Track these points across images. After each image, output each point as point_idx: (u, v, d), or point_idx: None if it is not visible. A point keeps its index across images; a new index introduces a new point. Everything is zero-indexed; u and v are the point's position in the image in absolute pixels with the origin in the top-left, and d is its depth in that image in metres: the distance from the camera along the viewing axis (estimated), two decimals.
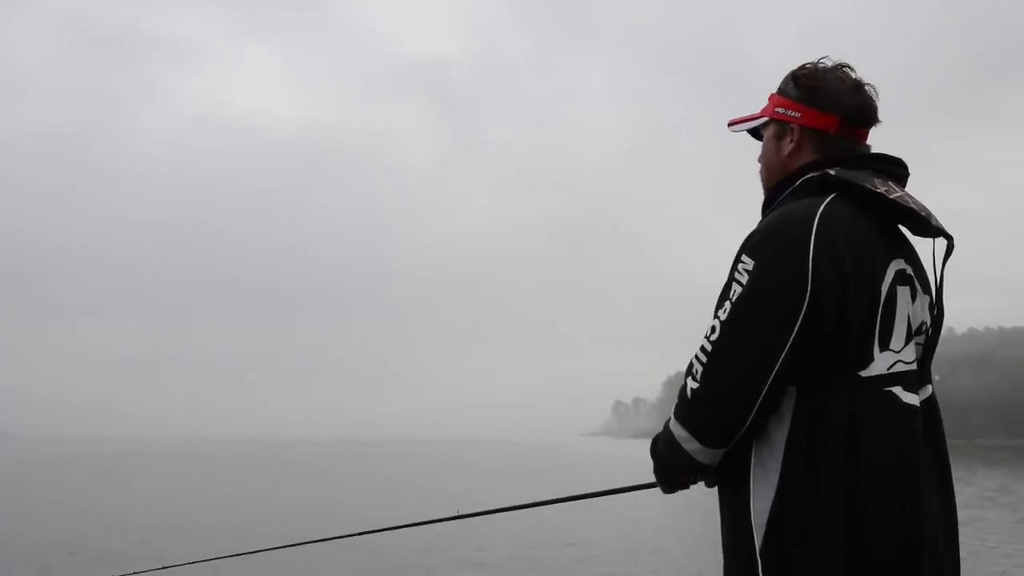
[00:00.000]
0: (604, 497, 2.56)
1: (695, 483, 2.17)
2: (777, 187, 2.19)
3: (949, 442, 2.10)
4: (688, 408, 1.99)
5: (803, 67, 2.19)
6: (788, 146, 2.18)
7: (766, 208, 2.20)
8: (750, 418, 1.92)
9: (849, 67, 2.18)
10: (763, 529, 1.92)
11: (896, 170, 2.15)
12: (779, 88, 2.22)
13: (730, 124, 2.32)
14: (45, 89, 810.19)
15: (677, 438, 2.01)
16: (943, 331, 2.18)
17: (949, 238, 2.08)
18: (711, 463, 2.02)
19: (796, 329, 1.90)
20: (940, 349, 2.17)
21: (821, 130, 2.14)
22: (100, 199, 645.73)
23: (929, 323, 2.12)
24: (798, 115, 2.16)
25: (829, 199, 2.01)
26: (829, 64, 2.18)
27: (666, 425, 2.06)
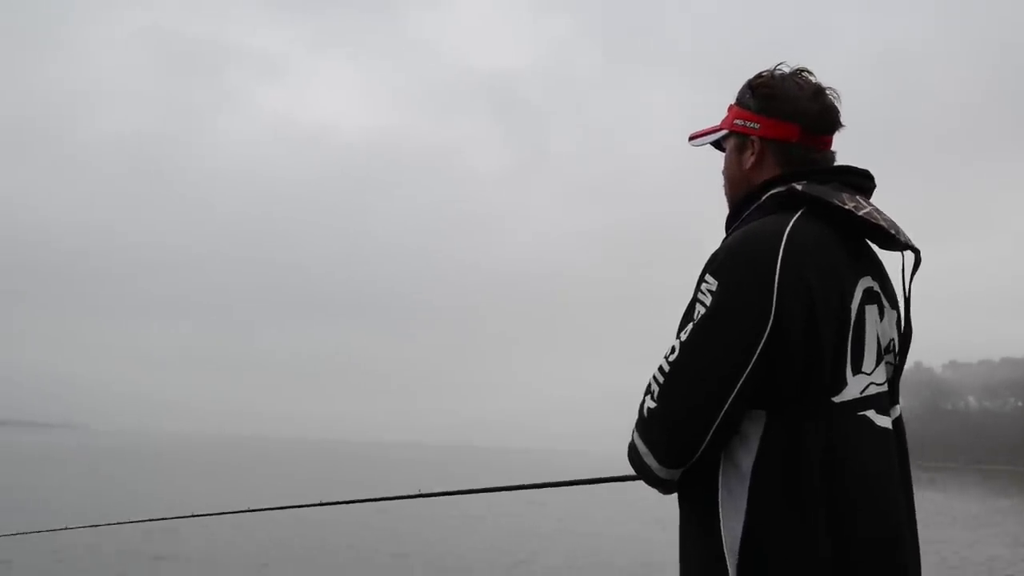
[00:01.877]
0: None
1: None
2: (741, 202, 2.09)
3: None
4: (644, 426, 1.91)
5: (759, 75, 2.09)
6: (749, 159, 2.08)
7: (730, 224, 2.11)
8: (705, 441, 1.83)
9: (808, 71, 2.08)
10: (736, 558, 1.81)
11: (863, 183, 2.05)
12: (737, 98, 2.12)
13: (691, 138, 2.23)
14: (128, 98, 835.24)
15: (640, 452, 1.93)
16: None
17: (916, 252, 1.99)
18: (670, 479, 1.92)
19: (758, 353, 1.80)
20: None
21: (782, 140, 2.04)
22: (177, 204, 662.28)
23: (897, 340, 2.03)
24: (757, 126, 2.06)
25: (796, 216, 1.92)
26: (787, 70, 2.07)
27: (632, 437, 1.97)
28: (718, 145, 2.19)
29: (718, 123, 2.16)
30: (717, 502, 1.84)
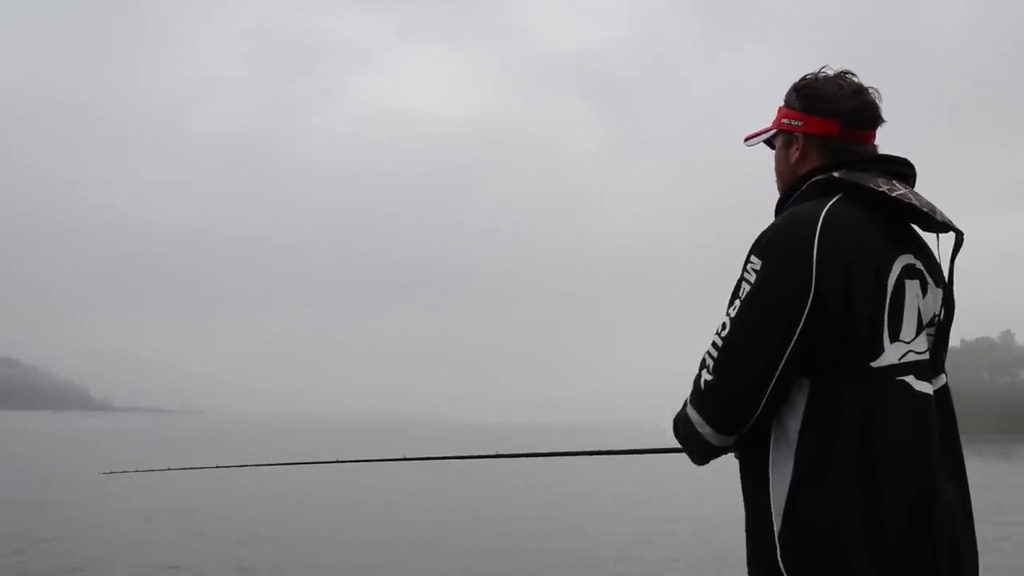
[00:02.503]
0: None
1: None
2: (788, 191, 2.20)
3: None
4: (701, 398, 2.01)
5: (803, 78, 2.20)
6: (795, 153, 2.20)
7: (778, 211, 2.21)
8: (760, 407, 1.94)
9: (850, 73, 2.17)
10: (782, 513, 1.92)
11: (902, 170, 2.14)
12: (784, 100, 2.24)
13: (746, 140, 2.34)
14: (230, 93, 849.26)
15: (693, 423, 2.04)
16: None
17: (958, 232, 2.07)
18: (723, 446, 2.04)
19: (801, 324, 1.90)
20: None
21: (823, 135, 2.15)
22: (279, 194, 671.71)
23: (941, 315, 2.09)
24: (801, 123, 2.18)
25: (834, 200, 2.02)
26: (830, 73, 2.18)
27: (683, 409, 2.08)
28: (770, 143, 2.30)
29: (769, 124, 2.27)
30: (768, 465, 1.96)
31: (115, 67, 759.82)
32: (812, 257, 1.92)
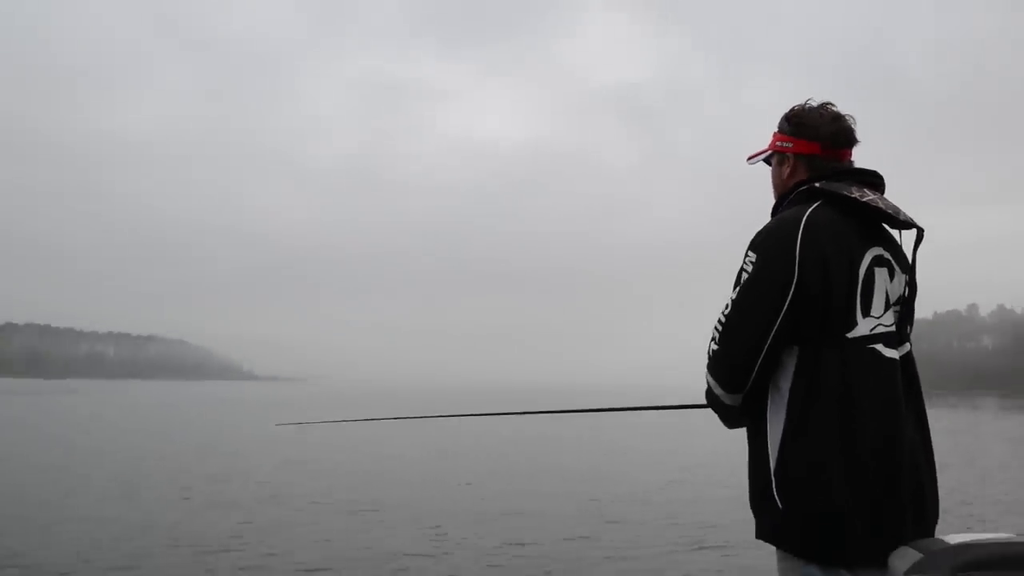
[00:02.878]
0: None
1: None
2: (780, 199, 2.24)
3: None
4: (711, 364, 2.10)
5: (792, 108, 2.24)
6: (786, 169, 2.25)
7: (773, 214, 2.24)
8: (754, 371, 2.01)
9: (831, 104, 2.21)
10: (776, 454, 1.98)
11: (873, 180, 2.17)
12: (778, 127, 2.27)
13: (748, 159, 2.36)
14: (341, 129, 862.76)
15: (710, 385, 2.12)
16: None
17: (919, 228, 2.10)
18: (734, 404, 2.09)
19: (786, 305, 1.96)
20: None
21: (808, 154, 2.20)
22: (383, 207, 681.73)
23: (906, 295, 2.12)
24: (791, 145, 2.22)
25: (815, 205, 2.06)
26: (814, 104, 2.22)
27: (706, 376, 2.14)
28: (767, 161, 2.33)
29: (766, 146, 2.31)
30: (766, 416, 2.03)
31: (252, 112, 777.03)
32: (795, 251, 1.97)
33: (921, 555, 1.72)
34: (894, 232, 2.17)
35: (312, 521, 9.88)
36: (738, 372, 2.04)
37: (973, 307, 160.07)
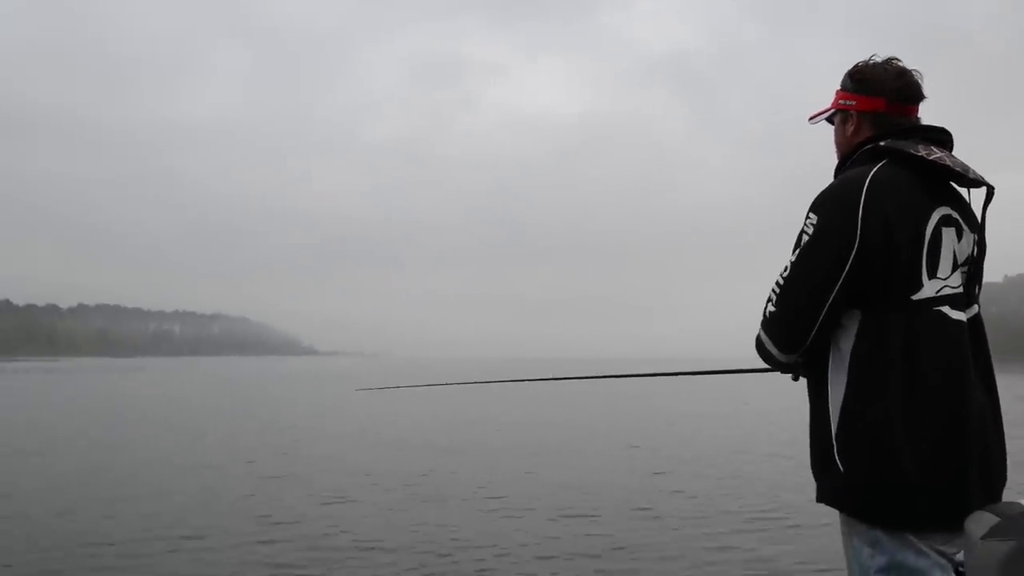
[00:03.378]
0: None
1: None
2: (844, 159, 2.18)
3: None
4: (767, 324, 2.06)
5: (856, 65, 2.17)
6: (850, 128, 2.17)
7: (836, 174, 2.18)
8: (812, 333, 1.98)
9: (896, 59, 2.13)
10: (837, 417, 1.95)
11: (941, 136, 2.09)
12: (840, 84, 2.20)
13: (810, 119, 2.30)
14: (393, 106, 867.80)
15: (764, 343, 2.09)
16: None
17: (989, 187, 2.03)
18: (789, 362, 2.08)
19: (848, 266, 1.92)
20: None
21: (873, 111, 2.12)
22: (438, 182, 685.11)
23: (975, 256, 2.05)
24: (854, 103, 2.15)
25: (880, 164, 2.00)
26: (879, 59, 2.14)
27: (759, 332, 2.11)
28: (829, 121, 2.26)
29: (829, 104, 2.24)
30: (827, 379, 2.00)
31: (306, 94, 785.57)
32: (858, 212, 1.93)
33: (998, 519, 1.68)
34: (963, 191, 2.09)
35: (372, 494, 10.03)
36: (795, 333, 2.01)
37: None
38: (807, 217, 2.02)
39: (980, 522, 1.71)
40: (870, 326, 1.94)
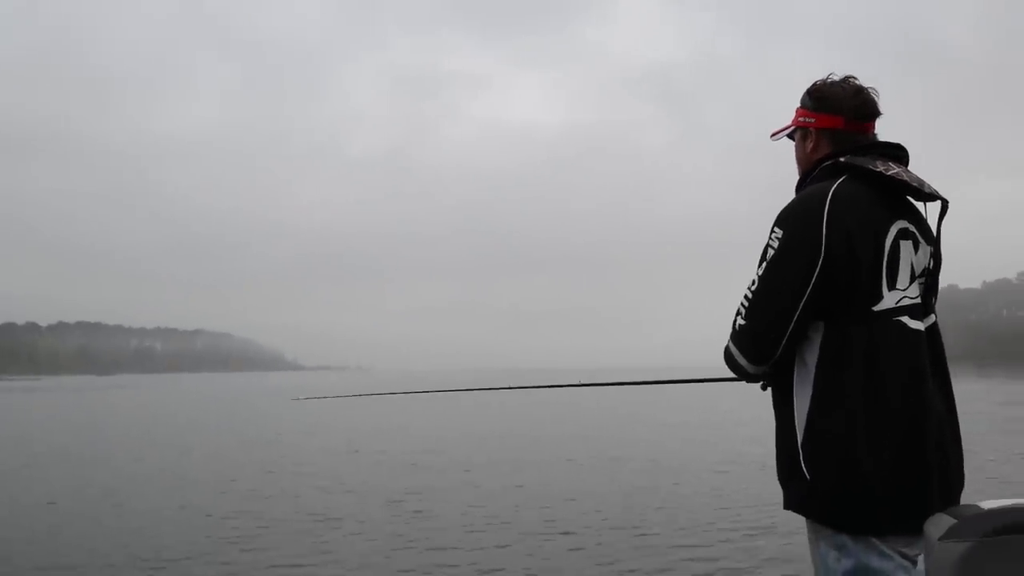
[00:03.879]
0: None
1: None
2: (805, 175, 2.23)
3: None
4: (738, 337, 2.11)
5: (814, 83, 2.23)
6: (810, 144, 2.23)
7: (798, 190, 2.24)
8: (781, 345, 2.02)
9: (852, 77, 2.19)
10: (803, 428, 2.00)
11: (897, 153, 2.15)
12: (800, 102, 2.26)
13: (772, 135, 2.35)
14: (375, 120, 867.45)
15: (734, 355, 2.13)
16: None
17: (944, 201, 2.09)
18: (758, 373, 2.12)
19: (813, 280, 1.97)
20: None
21: (831, 129, 2.18)
22: (423, 195, 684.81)
23: (931, 267, 2.11)
24: (813, 120, 2.21)
25: (840, 180, 2.05)
26: (836, 77, 2.20)
27: (727, 343, 2.16)
28: (792, 136, 2.32)
29: (790, 122, 2.30)
30: (792, 390, 2.05)
31: (289, 108, 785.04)
32: (822, 226, 1.98)
33: (955, 520, 1.74)
34: (919, 205, 2.15)
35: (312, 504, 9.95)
36: (765, 346, 2.05)
37: (1023, 275, 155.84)
38: (772, 231, 2.07)
39: (938, 524, 1.77)
40: (833, 338, 1.99)
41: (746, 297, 2.09)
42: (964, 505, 1.85)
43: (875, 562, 1.93)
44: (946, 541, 1.71)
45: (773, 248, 2.05)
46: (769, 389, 2.21)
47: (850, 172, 2.08)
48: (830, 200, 2.00)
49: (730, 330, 2.15)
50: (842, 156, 2.12)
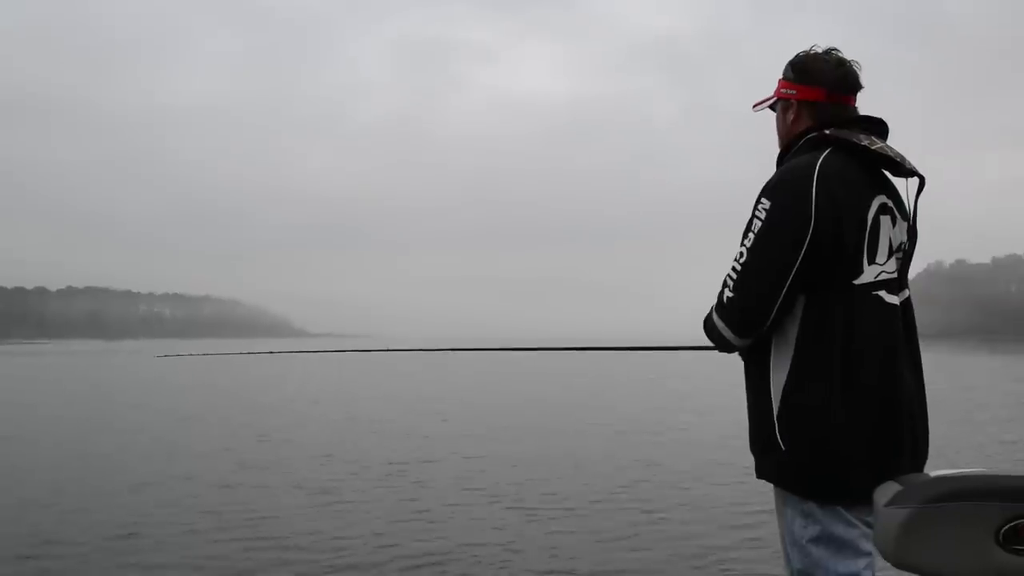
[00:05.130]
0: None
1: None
2: (787, 146, 2.23)
3: None
4: (724, 310, 2.10)
5: (797, 55, 2.23)
6: (791, 116, 2.23)
7: (780, 162, 2.24)
8: (770, 318, 2.02)
9: (836, 49, 2.20)
10: (779, 399, 2.03)
11: (879, 127, 2.15)
12: (782, 74, 2.26)
13: (754, 107, 2.36)
14: (382, 89, 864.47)
15: (718, 327, 2.13)
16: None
17: (921, 177, 2.11)
18: (742, 346, 2.13)
19: (803, 251, 1.97)
20: None
21: (812, 101, 2.18)
22: (429, 165, 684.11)
23: (906, 243, 2.14)
24: (795, 92, 2.21)
25: (826, 152, 2.06)
26: (819, 50, 2.20)
27: (710, 316, 2.17)
28: (773, 108, 2.32)
29: (772, 93, 2.30)
30: (769, 362, 2.07)
31: (296, 77, 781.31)
32: (811, 199, 1.98)
33: (900, 487, 1.83)
34: (899, 181, 2.16)
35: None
36: (754, 318, 2.04)
37: None
38: (759, 202, 2.05)
39: (885, 491, 1.85)
40: (815, 310, 2.00)
41: (734, 269, 2.08)
42: (914, 474, 1.92)
43: (840, 530, 1.99)
44: (890, 507, 1.80)
45: (760, 220, 2.04)
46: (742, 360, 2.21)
47: (835, 145, 2.07)
48: (818, 173, 2.00)
49: (715, 302, 2.14)
50: (825, 128, 2.11)
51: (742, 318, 2.06)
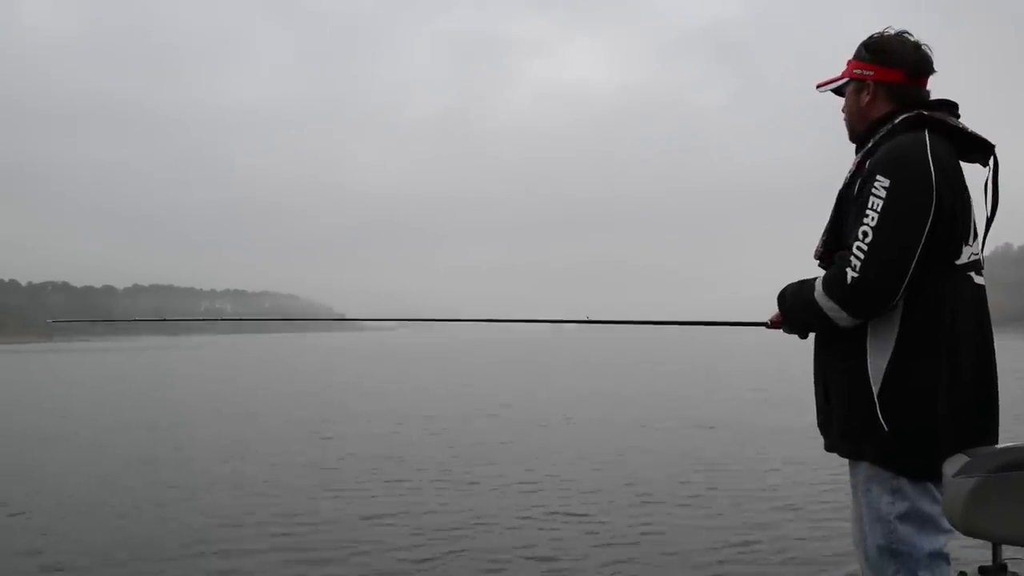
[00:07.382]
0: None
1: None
2: (867, 130, 2.19)
3: None
4: (847, 292, 1.99)
5: (871, 36, 2.21)
6: (865, 98, 2.19)
7: (862, 144, 2.19)
8: (896, 298, 1.97)
9: (908, 33, 2.19)
10: (881, 378, 2.00)
11: (955, 111, 2.16)
12: (855, 55, 2.22)
13: (818, 86, 2.32)
14: (433, 80, 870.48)
15: (823, 308, 2.04)
16: None
17: (996, 159, 2.11)
18: (850, 326, 2.04)
19: (927, 230, 1.95)
20: None
21: (890, 83, 2.15)
22: (477, 157, 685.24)
23: (987, 223, 2.15)
24: (871, 73, 2.17)
25: (927, 132, 2.05)
26: (892, 32, 2.19)
27: (811, 295, 2.08)
28: (838, 91, 2.28)
29: (837, 75, 2.26)
30: (865, 343, 2.03)
31: (349, 77, 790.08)
32: (930, 174, 1.98)
33: (968, 459, 1.90)
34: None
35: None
36: (881, 298, 1.97)
37: None
38: (875, 179, 2.00)
39: (954, 463, 1.92)
40: (919, 292, 1.99)
41: (860, 249, 1.98)
42: (982, 447, 1.97)
43: (926, 506, 2.02)
44: (958, 477, 1.87)
45: (881, 199, 1.99)
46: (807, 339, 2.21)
47: (931, 126, 2.07)
48: (931, 150, 2.00)
49: (826, 283, 2.04)
50: (905, 111, 2.11)
51: (868, 298, 1.98)
